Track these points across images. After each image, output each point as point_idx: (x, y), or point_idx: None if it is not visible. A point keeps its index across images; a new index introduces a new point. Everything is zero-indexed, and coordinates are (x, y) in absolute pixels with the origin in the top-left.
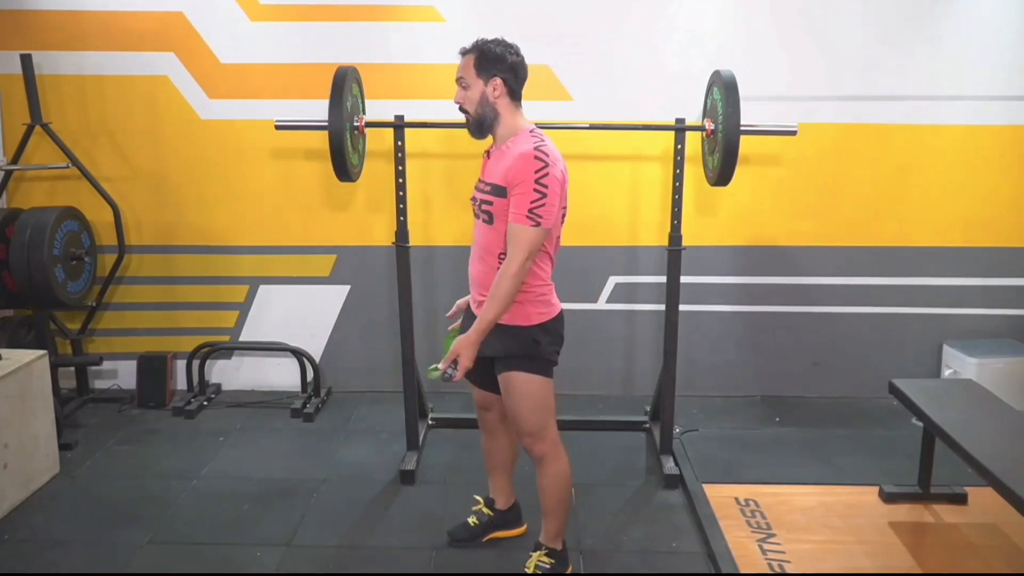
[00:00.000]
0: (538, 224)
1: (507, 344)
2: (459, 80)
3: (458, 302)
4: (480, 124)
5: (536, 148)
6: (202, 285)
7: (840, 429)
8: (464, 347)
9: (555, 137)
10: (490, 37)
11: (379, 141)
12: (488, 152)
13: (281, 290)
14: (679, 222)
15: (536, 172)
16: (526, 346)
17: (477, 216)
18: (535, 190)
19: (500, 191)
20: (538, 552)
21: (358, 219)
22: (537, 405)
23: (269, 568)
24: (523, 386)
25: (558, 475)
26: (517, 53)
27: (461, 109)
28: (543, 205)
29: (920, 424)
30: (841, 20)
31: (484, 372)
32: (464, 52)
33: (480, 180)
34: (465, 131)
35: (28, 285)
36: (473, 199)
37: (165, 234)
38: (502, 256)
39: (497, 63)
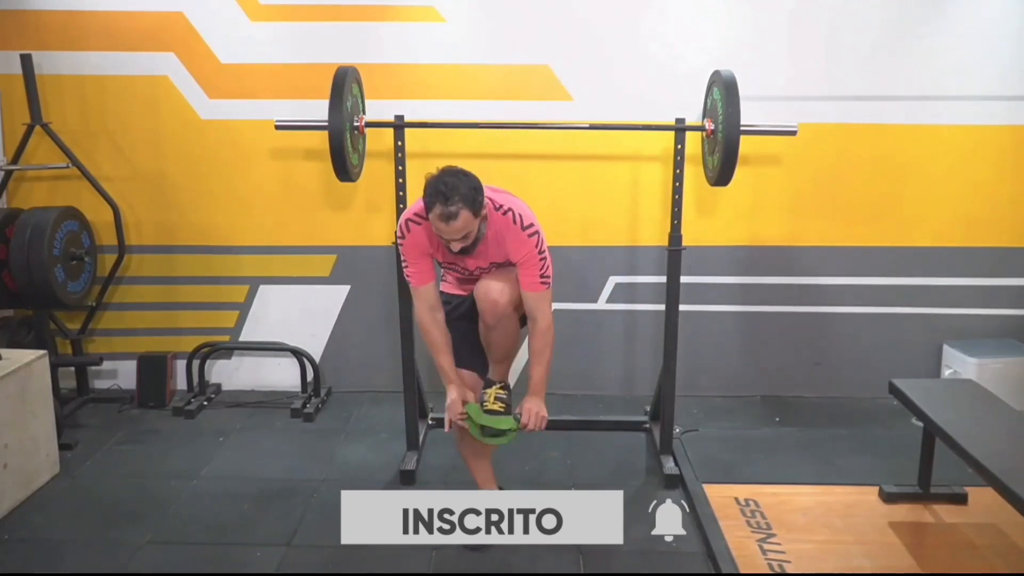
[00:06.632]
0: (549, 284)
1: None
2: (464, 238)
3: (455, 398)
4: (477, 240)
5: (518, 224)
6: (202, 285)
7: (840, 429)
8: (541, 407)
9: (555, 137)
10: (441, 177)
11: (379, 141)
12: (466, 249)
13: (281, 290)
14: (679, 222)
15: (535, 247)
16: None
17: (471, 277)
18: (540, 260)
19: (506, 263)
20: (494, 387)
21: (358, 219)
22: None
23: (269, 568)
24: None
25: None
26: (466, 171)
27: (463, 250)
28: (548, 266)
29: (920, 424)
30: (841, 20)
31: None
32: (451, 216)
33: (472, 270)
34: (465, 131)
35: (28, 285)
36: (465, 270)
37: (165, 234)
38: None
39: (480, 196)
